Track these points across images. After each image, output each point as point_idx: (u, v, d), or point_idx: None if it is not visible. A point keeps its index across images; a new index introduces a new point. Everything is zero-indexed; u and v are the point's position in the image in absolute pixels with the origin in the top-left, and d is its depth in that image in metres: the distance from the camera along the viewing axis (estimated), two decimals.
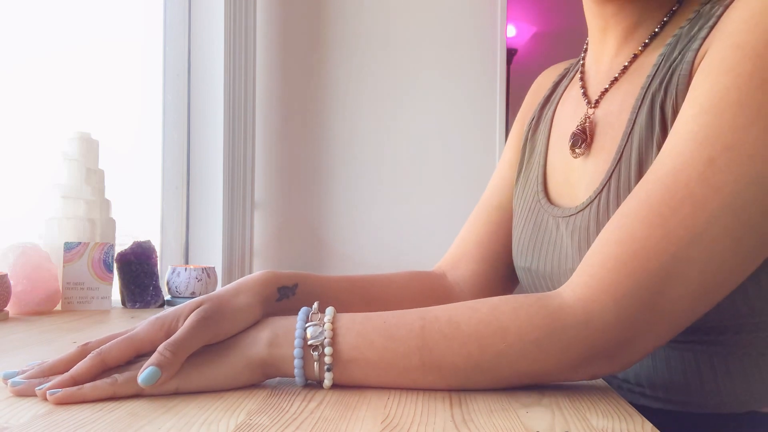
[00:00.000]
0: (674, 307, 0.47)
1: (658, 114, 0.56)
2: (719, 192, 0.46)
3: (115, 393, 0.45)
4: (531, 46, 2.91)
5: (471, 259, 0.76)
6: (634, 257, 0.47)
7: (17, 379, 0.47)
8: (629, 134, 0.58)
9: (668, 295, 0.47)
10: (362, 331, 0.49)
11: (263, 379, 0.50)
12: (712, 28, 0.53)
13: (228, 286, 0.54)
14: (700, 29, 0.55)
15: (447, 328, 0.48)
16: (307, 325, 0.49)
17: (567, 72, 0.77)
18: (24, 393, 0.46)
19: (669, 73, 0.56)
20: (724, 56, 0.49)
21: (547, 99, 0.77)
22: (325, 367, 0.48)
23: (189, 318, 0.49)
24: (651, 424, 0.41)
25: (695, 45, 0.54)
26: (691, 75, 0.53)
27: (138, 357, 0.49)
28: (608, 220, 0.57)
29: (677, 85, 0.54)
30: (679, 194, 0.47)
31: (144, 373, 0.45)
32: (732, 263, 0.47)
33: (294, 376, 0.49)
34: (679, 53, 0.56)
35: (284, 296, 0.57)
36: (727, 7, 0.53)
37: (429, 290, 0.72)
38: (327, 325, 0.49)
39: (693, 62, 0.53)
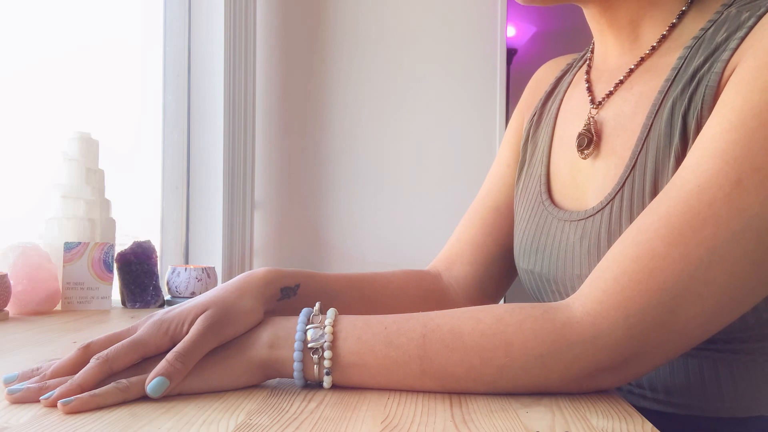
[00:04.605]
0: (687, 327, 0.46)
1: (679, 123, 0.54)
2: (744, 213, 0.45)
3: (125, 399, 0.45)
4: (531, 46, 2.91)
5: (465, 261, 0.75)
6: (650, 275, 0.46)
7: (15, 386, 0.46)
8: (645, 140, 0.56)
9: (682, 314, 0.46)
10: (363, 336, 0.48)
11: (263, 379, 0.50)
12: (742, 39, 0.51)
13: (231, 285, 0.53)
14: (728, 38, 0.53)
15: (449, 338, 0.47)
16: (307, 327, 0.49)
17: (570, 67, 0.75)
18: (22, 401, 0.45)
19: (694, 81, 0.54)
20: (757, 74, 0.48)
21: (549, 94, 0.75)
22: (325, 370, 0.48)
23: (196, 324, 0.48)
24: (651, 425, 0.41)
25: (725, 56, 0.52)
26: (719, 87, 0.51)
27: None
28: (621, 228, 0.56)
29: (703, 96, 0.52)
30: (702, 214, 0.46)
31: (153, 383, 0.45)
32: (750, 285, 0.47)
33: (293, 378, 0.49)
34: (705, 61, 0.54)
35: (286, 296, 0.57)
36: (759, 18, 0.51)
37: (426, 291, 0.72)
38: (328, 328, 0.49)
39: (722, 74, 0.51)
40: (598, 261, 0.54)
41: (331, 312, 0.50)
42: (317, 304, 0.52)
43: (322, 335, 0.48)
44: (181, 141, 1.44)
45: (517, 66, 2.86)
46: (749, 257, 0.46)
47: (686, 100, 0.54)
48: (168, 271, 1.05)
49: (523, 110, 0.79)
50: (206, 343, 0.48)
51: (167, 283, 1.04)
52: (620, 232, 0.55)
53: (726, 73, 0.51)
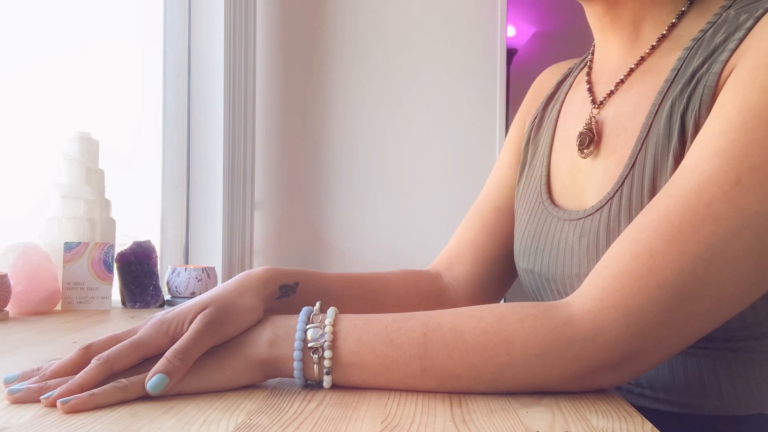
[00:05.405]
0: (686, 323, 0.47)
1: (677, 123, 0.54)
2: (743, 212, 0.45)
3: (125, 398, 0.45)
4: (531, 46, 2.91)
5: (466, 261, 0.76)
6: (650, 273, 0.46)
7: (16, 386, 0.46)
8: (644, 139, 0.57)
9: (681, 311, 0.46)
10: (363, 336, 0.49)
11: (264, 378, 0.50)
12: (741, 40, 0.51)
13: (230, 284, 0.53)
14: (727, 39, 0.53)
15: (450, 337, 0.48)
16: (307, 326, 0.49)
17: (571, 71, 0.76)
18: (23, 401, 0.45)
19: (693, 82, 0.54)
20: (755, 75, 0.48)
21: (551, 98, 0.76)
22: (325, 370, 0.48)
23: (195, 322, 0.48)
24: (651, 425, 0.41)
25: (723, 56, 0.52)
26: (718, 88, 0.52)
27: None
28: (619, 227, 0.56)
29: (702, 96, 0.53)
30: (701, 212, 0.46)
31: (153, 380, 0.45)
32: (749, 283, 0.47)
33: (294, 377, 0.49)
34: (704, 62, 0.54)
35: (285, 294, 0.57)
36: (758, 19, 0.51)
37: (425, 291, 0.72)
38: (328, 328, 0.49)
39: (720, 74, 0.52)
40: (597, 260, 0.54)
41: (331, 311, 0.50)
42: (317, 303, 0.52)
43: (322, 335, 0.48)
44: (181, 141, 1.44)
45: (517, 66, 2.86)
46: (748, 255, 0.46)
47: (685, 100, 0.54)
48: (168, 271, 1.05)
49: (525, 114, 0.80)
50: (205, 340, 0.48)
51: (167, 283, 1.04)
52: (619, 231, 0.56)
53: (724, 74, 0.52)
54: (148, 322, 0.50)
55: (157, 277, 1.02)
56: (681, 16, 0.60)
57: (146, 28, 1.45)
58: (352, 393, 0.48)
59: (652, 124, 0.57)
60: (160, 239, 1.42)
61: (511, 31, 2.85)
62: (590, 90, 0.67)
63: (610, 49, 0.65)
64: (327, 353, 0.48)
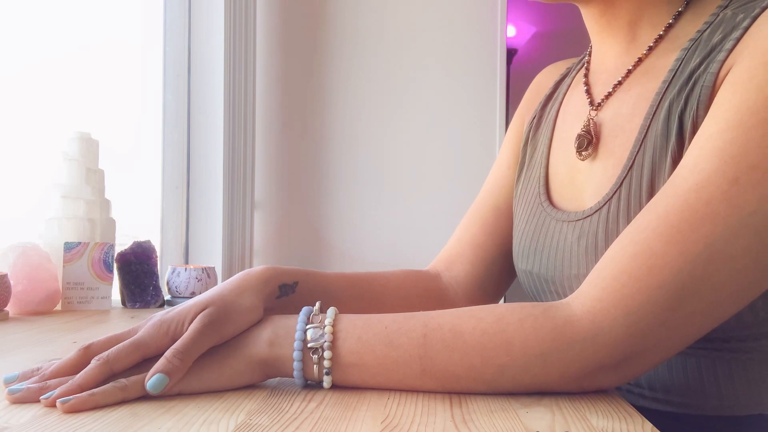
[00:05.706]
0: (686, 323, 0.47)
1: (675, 123, 0.54)
2: (741, 211, 0.45)
3: (125, 398, 0.45)
4: (531, 46, 2.91)
5: (466, 261, 0.75)
6: (649, 273, 0.46)
7: (16, 386, 0.46)
8: (642, 141, 0.57)
9: (681, 311, 0.46)
10: (363, 336, 0.49)
11: (264, 378, 0.50)
12: (738, 40, 0.51)
13: (229, 284, 0.53)
14: (724, 38, 0.53)
15: (450, 338, 0.48)
16: (307, 326, 0.49)
17: (569, 71, 0.76)
18: (23, 401, 0.45)
19: (690, 82, 0.54)
20: (753, 74, 0.48)
21: (549, 98, 0.76)
22: (324, 370, 0.48)
23: (194, 322, 0.48)
24: (651, 425, 0.41)
25: (720, 56, 0.52)
26: (715, 87, 0.52)
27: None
28: (618, 228, 0.56)
29: (699, 96, 0.53)
30: (700, 212, 0.46)
31: (152, 380, 0.45)
32: (748, 281, 0.47)
33: (293, 377, 0.49)
34: (701, 62, 0.54)
35: (284, 294, 0.57)
36: (755, 19, 0.51)
37: (424, 290, 0.72)
38: (327, 328, 0.49)
39: (718, 74, 0.52)
40: (596, 261, 0.54)
41: (331, 311, 0.50)
42: (317, 303, 0.52)
43: (321, 335, 0.48)
44: (181, 141, 1.44)
45: (517, 66, 2.86)
46: (747, 254, 0.46)
47: (683, 100, 0.54)
48: (168, 271, 1.05)
49: (523, 114, 0.80)
50: (205, 340, 0.48)
51: (167, 283, 1.04)
52: (618, 232, 0.56)
53: (722, 74, 0.51)
54: (148, 322, 0.50)
55: (157, 277, 1.02)
56: (678, 16, 0.60)
57: (146, 28, 1.45)
58: (352, 393, 0.48)
59: (650, 125, 0.57)
60: (160, 239, 1.42)
61: (511, 31, 2.85)
62: (588, 91, 0.67)
63: (607, 50, 0.65)
64: (327, 353, 0.48)
